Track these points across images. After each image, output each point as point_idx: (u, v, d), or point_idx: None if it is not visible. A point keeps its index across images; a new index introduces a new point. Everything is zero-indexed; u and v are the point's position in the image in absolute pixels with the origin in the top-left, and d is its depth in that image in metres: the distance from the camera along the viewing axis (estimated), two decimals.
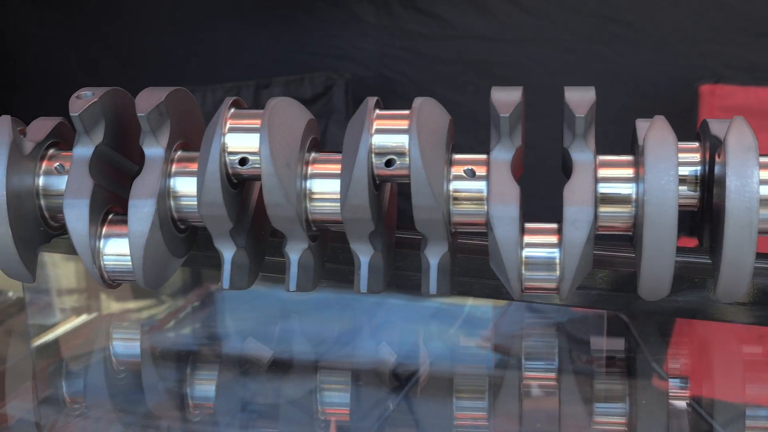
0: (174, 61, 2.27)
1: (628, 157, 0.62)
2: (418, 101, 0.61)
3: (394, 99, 2.22)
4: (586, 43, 2.09)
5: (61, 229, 0.69)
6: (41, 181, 0.66)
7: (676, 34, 2.03)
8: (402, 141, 0.60)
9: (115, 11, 2.32)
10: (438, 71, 2.20)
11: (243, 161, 0.62)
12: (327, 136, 2.00)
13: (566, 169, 0.62)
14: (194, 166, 0.64)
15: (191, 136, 0.67)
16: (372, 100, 0.61)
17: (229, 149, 0.62)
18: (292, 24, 2.23)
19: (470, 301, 0.79)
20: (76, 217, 0.63)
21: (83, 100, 0.64)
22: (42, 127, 0.67)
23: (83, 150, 0.64)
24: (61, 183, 0.66)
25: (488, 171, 0.61)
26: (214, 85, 1.94)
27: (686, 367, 0.72)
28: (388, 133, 0.60)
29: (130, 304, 0.86)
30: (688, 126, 1.60)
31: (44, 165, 0.66)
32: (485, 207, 0.61)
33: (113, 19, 2.35)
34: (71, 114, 0.63)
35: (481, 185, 0.61)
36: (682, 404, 0.66)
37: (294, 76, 2.04)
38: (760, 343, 0.73)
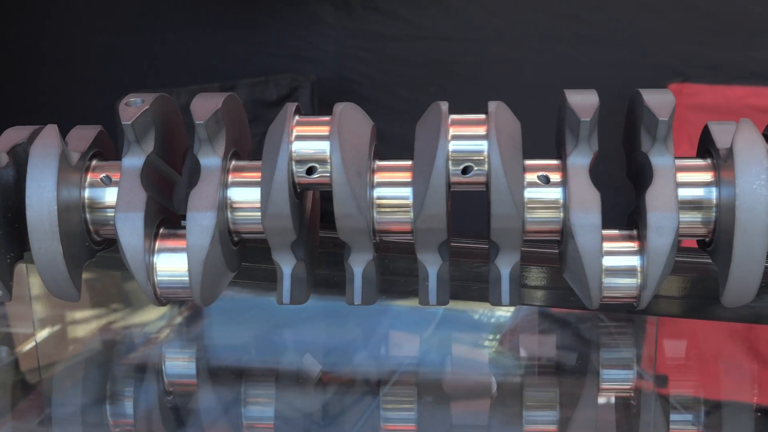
0: (125, 64, 2.21)
1: (703, 161, 0.60)
2: (493, 105, 0.59)
3: (356, 100, 2.19)
4: (550, 43, 2.10)
5: (104, 244, 0.65)
6: (87, 193, 0.62)
7: (640, 33, 2.04)
8: (480, 147, 0.58)
9: (62, 11, 2.25)
10: (400, 72, 2.18)
11: (311, 170, 0.59)
12: None
13: (638, 174, 0.61)
14: (253, 176, 0.61)
15: (240, 144, 0.64)
16: (445, 105, 0.59)
17: (296, 158, 0.59)
18: (250, 25, 2.19)
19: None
20: (130, 231, 0.59)
21: (134, 107, 0.60)
22: (83, 136, 0.63)
23: (134, 160, 0.61)
24: (107, 195, 0.62)
25: (565, 177, 0.59)
26: (178, 88, 1.89)
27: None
28: (466, 140, 0.58)
29: (122, 315, 0.82)
30: None
31: (89, 176, 0.62)
32: (561, 214, 0.59)
33: (57, 18, 2.28)
34: (123, 122, 0.59)
35: (556, 192, 0.59)
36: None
37: (259, 78, 2.00)
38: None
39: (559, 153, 0.61)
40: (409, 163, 0.61)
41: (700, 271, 0.71)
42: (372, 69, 2.19)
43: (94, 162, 0.63)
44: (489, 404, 0.65)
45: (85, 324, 0.81)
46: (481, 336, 0.74)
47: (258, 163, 0.62)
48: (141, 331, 0.77)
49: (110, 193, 0.62)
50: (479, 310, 0.77)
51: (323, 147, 0.59)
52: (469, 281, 0.71)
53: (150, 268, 0.61)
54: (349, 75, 2.19)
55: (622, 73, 2.06)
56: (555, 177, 0.60)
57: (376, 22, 2.17)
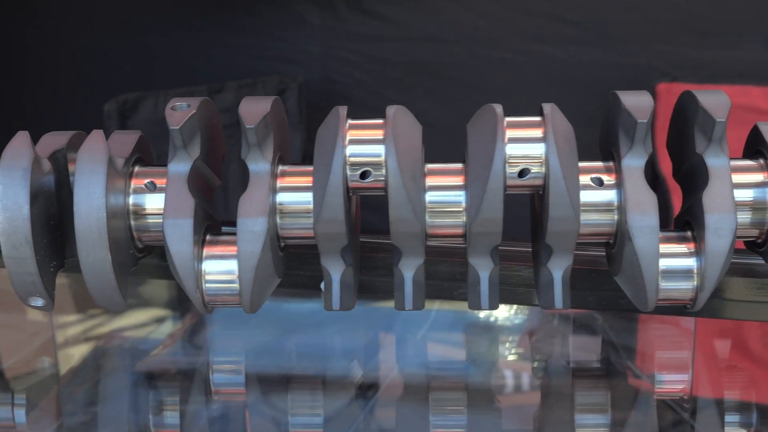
0: (109, 67, 2.19)
1: (755, 162, 0.60)
2: (548, 107, 0.59)
3: (342, 102, 2.18)
4: (536, 43, 2.10)
5: (145, 252, 0.64)
6: (131, 199, 0.61)
7: (625, 34, 2.06)
8: (538, 150, 0.57)
9: (45, 14, 2.22)
10: (385, 73, 2.18)
11: (364, 174, 0.58)
12: None
13: (690, 175, 0.61)
14: (303, 180, 0.61)
15: (284, 148, 0.63)
16: (499, 107, 0.59)
17: (350, 162, 0.58)
18: (234, 27, 2.18)
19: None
20: (179, 238, 0.58)
21: (181, 112, 0.59)
22: (125, 141, 0.62)
23: (181, 166, 0.60)
24: (152, 201, 0.61)
25: (620, 179, 0.58)
26: (165, 90, 1.87)
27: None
28: (523, 142, 0.58)
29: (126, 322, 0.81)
30: None
31: (133, 182, 0.61)
32: (615, 217, 0.59)
33: (40, 22, 2.25)
34: (171, 127, 0.58)
35: (610, 194, 0.59)
36: None
37: (246, 80, 1.99)
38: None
39: (609, 155, 0.61)
40: (460, 166, 0.60)
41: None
42: (357, 70, 2.19)
43: (136, 168, 0.62)
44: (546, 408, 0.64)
45: (105, 330, 0.79)
46: (521, 338, 0.73)
47: (305, 167, 0.62)
48: (169, 336, 0.76)
49: (155, 200, 0.61)
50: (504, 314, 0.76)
51: (378, 151, 0.58)
52: (511, 285, 0.70)
53: (198, 275, 0.59)
54: (334, 76, 2.19)
55: (607, 73, 2.07)
56: (607, 179, 0.60)
57: (361, 23, 2.16)
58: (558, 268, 0.61)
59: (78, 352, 0.74)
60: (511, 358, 0.70)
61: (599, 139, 0.65)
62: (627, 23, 2.05)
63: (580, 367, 0.68)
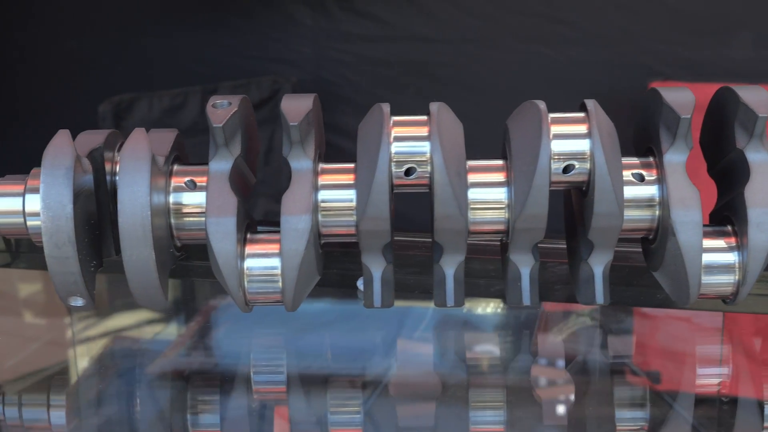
0: (101, 68, 2.17)
1: None
2: (590, 103, 0.59)
3: (335, 102, 2.19)
4: (528, 43, 2.11)
5: (182, 251, 0.63)
6: (172, 198, 0.60)
7: (616, 33, 2.07)
8: (583, 146, 0.58)
9: (38, 16, 2.20)
10: (378, 73, 2.17)
11: (409, 171, 0.58)
12: (274, 141, 1.95)
13: (729, 170, 0.61)
14: (344, 178, 0.60)
15: (322, 145, 0.63)
16: (542, 104, 0.59)
17: (395, 159, 0.58)
18: (226, 28, 2.17)
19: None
20: (222, 236, 0.58)
21: (223, 109, 0.59)
22: (164, 139, 0.61)
23: (222, 164, 0.59)
24: (192, 200, 0.61)
25: (662, 175, 0.59)
26: (160, 91, 1.86)
27: None
28: (569, 138, 0.58)
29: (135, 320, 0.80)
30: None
31: (173, 181, 0.61)
32: (656, 212, 0.59)
33: (32, 23, 2.23)
34: (214, 125, 0.58)
35: (651, 189, 0.59)
36: None
37: (240, 80, 1.98)
38: None
39: (647, 150, 0.61)
40: (501, 162, 0.60)
41: None
42: (349, 70, 2.18)
43: (175, 166, 0.62)
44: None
45: (120, 329, 0.79)
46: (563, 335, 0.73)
47: (346, 164, 0.61)
48: (179, 337, 0.75)
49: (194, 198, 0.61)
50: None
51: (423, 147, 0.58)
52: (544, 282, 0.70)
53: (240, 274, 0.59)
54: (327, 76, 2.18)
55: (598, 72, 2.08)
56: (648, 175, 0.60)
57: (353, 23, 2.16)
58: (599, 264, 0.61)
59: (102, 353, 0.74)
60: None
61: (634, 135, 0.65)
62: (618, 22, 2.06)
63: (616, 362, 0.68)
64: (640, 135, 0.63)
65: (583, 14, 2.07)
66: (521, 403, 0.61)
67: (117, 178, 0.60)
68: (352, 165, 0.61)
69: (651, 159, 0.60)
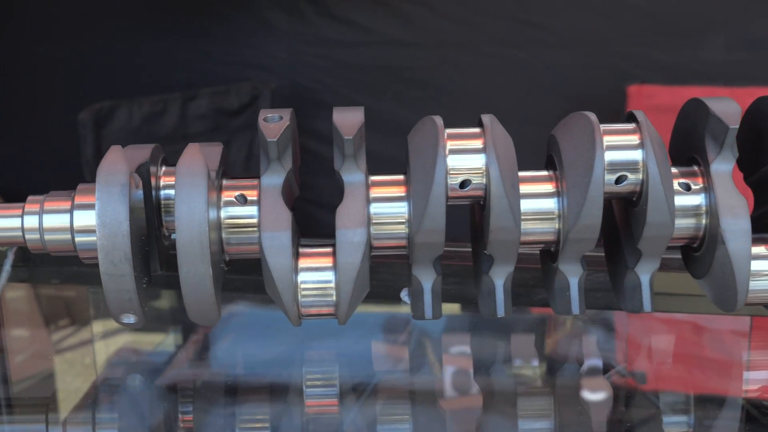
0: (78, 77, 2.14)
1: None
2: (640, 115, 0.60)
3: (311, 107, 2.18)
4: (504, 47, 2.12)
5: (229, 265, 0.63)
6: (223, 213, 0.60)
7: (590, 37, 2.09)
8: (636, 156, 0.58)
9: (15, 25, 2.17)
10: (355, 78, 2.18)
11: (464, 184, 0.59)
12: (254, 148, 1.94)
13: (766, 180, 0.62)
14: (395, 190, 0.61)
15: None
16: (593, 115, 0.59)
17: (451, 172, 0.58)
18: (202, 34, 2.16)
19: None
20: (277, 250, 0.58)
21: (275, 123, 0.59)
22: (212, 153, 0.61)
23: (275, 178, 0.59)
24: (242, 214, 0.61)
25: (709, 184, 0.60)
26: (140, 98, 1.85)
27: None
28: (621, 149, 0.59)
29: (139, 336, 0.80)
30: None
31: (224, 195, 0.60)
32: (703, 221, 0.60)
33: (8, 31, 2.19)
34: (268, 139, 0.58)
35: (698, 199, 0.60)
36: None
37: (220, 87, 1.97)
38: None
39: (690, 160, 0.62)
40: (546, 173, 0.61)
41: None
42: (326, 75, 2.18)
43: (224, 180, 0.61)
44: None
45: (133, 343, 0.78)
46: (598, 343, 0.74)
47: (395, 177, 0.62)
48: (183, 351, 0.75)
49: (245, 212, 0.60)
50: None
51: (479, 160, 0.58)
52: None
53: (295, 288, 0.59)
54: (304, 82, 2.18)
55: (573, 76, 2.11)
56: (693, 184, 0.61)
57: (330, 28, 2.16)
58: (646, 272, 0.62)
59: (134, 366, 0.73)
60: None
61: (671, 144, 0.66)
62: (593, 26, 2.09)
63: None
64: (680, 144, 0.64)
65: (558, 18, 2.09)
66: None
67: (173, 193, 0.60)
68: (401, 177, 0.62)
69: (695, 168, 0.61)
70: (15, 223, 0.61)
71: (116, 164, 0.57)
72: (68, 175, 1.94)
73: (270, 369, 0.68)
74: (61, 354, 0.78)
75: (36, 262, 0.85)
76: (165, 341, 0.76)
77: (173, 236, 0.65)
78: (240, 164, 1.92)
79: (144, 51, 2.14)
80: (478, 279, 0.64)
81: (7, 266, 0.81)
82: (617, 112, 1.90)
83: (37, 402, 0.66)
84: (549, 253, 0.63)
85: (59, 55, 2.11)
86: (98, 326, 0.81)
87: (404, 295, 0.67)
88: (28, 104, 2.12)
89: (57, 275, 0.85)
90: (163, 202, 0.63)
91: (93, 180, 1.59)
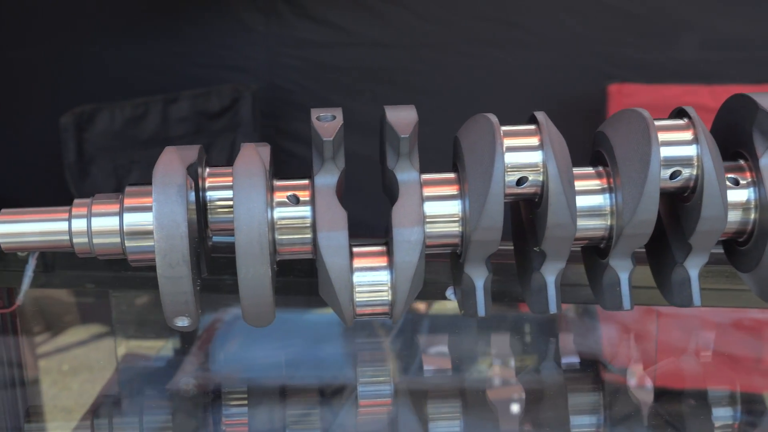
0: (58, 80, 2.11)
1: None
2: (691, 111, 0.60)
3: (289, 109, 2.18)
4: (482, 47, 2.13)
5: (279, 266, 0.63)
6: (276, 214, 0.60)
7: (568, 37, 2.10)
8: (689, 152, 0.59)
9: None
10: (333, 79, 2.17)
11: (521, 181, 0.59)
12: (236, 151, 1.92)
13: None
14: (449, 189, 0.60)
15: None
16: (646, 111, 0.60)
17: (508, 169, 0.58)
18: (178, 36, 2.14)
19: None
20: (335, 250, 0.58)
21: (329, 123, 0.59)
22: (263, 153, 0.61)
23: (328, 177, 0.59)
24: (295, 214, 0.60)
25: (758, 178, 0.60)
26: (122, 102, 1.83)
27: None
28: (676, 145, 0.59)
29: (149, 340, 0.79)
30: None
31: (276, 196, 0.60)
32: (752, 215, 0.61)
33: None
34: (324, 139, 0.58)
35: (746, 193, 0.61)
36: None
37: (201, 89, 1.95)
38: None
39: (735, 154, 0.63)
40: (595, 169, 0.61)
41: None
42: (304, 76, 2.17)
43: (275, 181, 0.61)
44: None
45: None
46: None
47: (446, 174, 0.62)
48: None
49: (298, 213, 0.60)
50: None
51: (536, 157, 0.58)
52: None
53: (351, 288, 0.59)
54: (281, 83, 2.17)
55: (551, 76, 2.12)
56: (742, 178, 0.61)
57: (307, 30, 2.15)
58: (695, 267, 0.62)
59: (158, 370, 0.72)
60: None
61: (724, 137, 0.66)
62: (570, 26, 2.10)
63: None
64: (723, 140, 0.64)
65: (536, 18, 2.10)
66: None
67: (218, 194, 0.59)
68: (451, 175, 0.61)
69: (742, 163, 0.62)
70: (62, 226, 0.59)
71: (172, 165, 0.56)
72: (50, 180, 1.92)
73: (320, 370, 0.67)
74: (84, 358, 0.77)
75: (57, 267, 0.83)
76: (198, 345, 0.75)
77: (215, 239, 0.65)
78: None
79: (121, 54, 2.11)
80: (525, 276, 0.64)
81: (29, 272, 0.79)
82: (598, 112, 1.92)
83: (63, 407, 0.65)
84: (596, 250, 0.64)
85: (37, 59, 2.08)
86: (124, 329, 0.80)
87: (450, 293, 0.67)
88: (7, 109, 2.08)
89: (79, 280, 0.83)
90: (208, 203, 0.62)
91: (75, 184, 1.56)
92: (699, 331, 0.75)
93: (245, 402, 0.64)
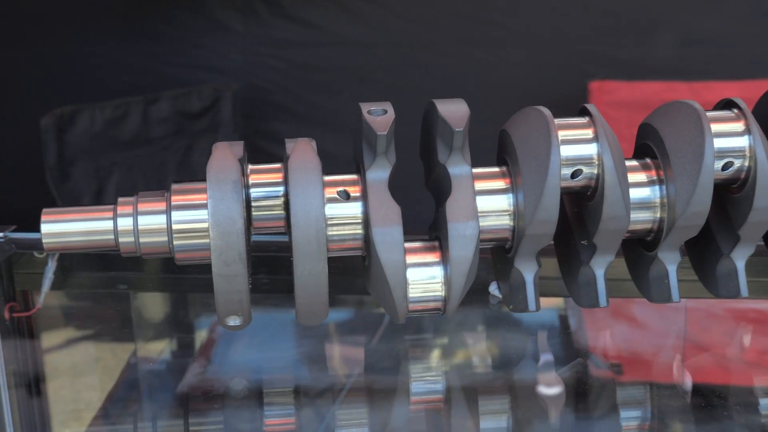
0: (37, 82, 2.07)
1: None
2: (740, 101, 0.60)
3: (268, 109, 2.16)
4: (460, 45, 2.13)
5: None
6: (327, 210, 0.59)
7: (546, 35, 2.11)
8: (741, 143, 0.59)
9: None
10: (311, 78, 2.15)
11: (575, 174, 0.59)
12: None
13: None
14: (500, 183, 0.60)
15: None
16: (696, 104, 0.60)
17: (564, 162, 0.58)
18: (155, 37, 2.11)
19: None
20: (390, 246, 0.57)
21: (382, 117, 0.58)
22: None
23: (380, 172, 0.58)
24: (346, 211, 0.59)
25: None
26: (102, 102, 1.80)
27: None
28: (727, 136, 0.59)
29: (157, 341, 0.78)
30: None
31: (326, 192, 0.59)
32: None
33: None
34: (379, 133, 0.57)
35: None
36: None
37: (181, 89, 1.93)
38: None
39: None
40: (643, 161, 0.61)
41: None
42: (281, 76, 2.15)
43: (324, 177, 0.60)
44: None
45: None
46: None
47: (491, 169, 0.61)
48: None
49: (350, 209, 0.59)
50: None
51: (591, 149, 0.58)
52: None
53: (405, 284, 0.58)
54: (259, 83, 2.15)
55: (531, 74, 2.12)
56: None
57: (285, 29, 2.14)
58: (741, 258, 0.63)
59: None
60: None
61: None
62: (548, 24, 2.11)
63: None
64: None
65: (514, 16, 2.10)
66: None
67: (261, 191, 0.58)
68: (497, 169, 0.61)
69: None
70: (106, 225, 0.58)
71: (226, 161, 0.55)
72: (31, 183, 1.88)
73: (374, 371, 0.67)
74: (103, 359, 0.75)
75: (74, 269, 0.82)
76: (223, 344, 0.74)
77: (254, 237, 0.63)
78: (203, 167, 1.88)
79: (99, 55, 2.08)
80: (571, 269, 0.63)
81: (50, 273, 0.77)
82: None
83: (81, 410, 0.64)
84: (642, 242, 0.63)
85: (15, 62, 2.04)
86: (145, 331, 0.79)
87: (493, 288, 0.67)
88: None
89: (97, 282, 0.82)
90: (252, 201, 0.61)
91: (56, 187, 1.53)
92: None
93: (290, 402, 0.63)
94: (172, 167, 1.86)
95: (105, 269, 0.82)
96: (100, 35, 2.08)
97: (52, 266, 0.78)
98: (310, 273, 0.55)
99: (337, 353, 0.73)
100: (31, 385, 0.69)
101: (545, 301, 0.67)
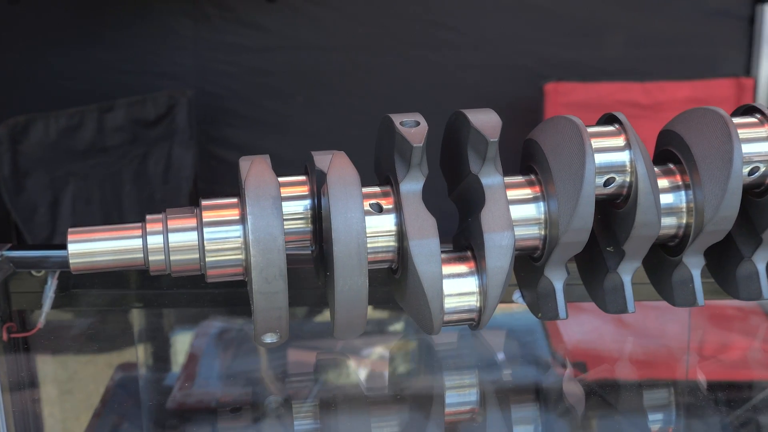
0: None
1: None
2: (764, 106, 0.61)
3: (220, 115, 2.13)
4: (416, 49, 2.13)
5: None
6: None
7: (499, 37, 2.13)
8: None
9: None
10: (264, 83, 2.14)
11: (608, 182, 0.59)
12: (173, 158, 1.88)
13: None
14: (531, 192, 0.60)
15: None
16: (722, 110, 0.61)
17: (598, 170, 0.58)
18: (103, 44, 2.07)
19: None
20: (427, 258, 0.57)
21: (416, 128, 0.58)
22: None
23: (414, 184, 0.58)
24: (380, 223, 0.59)
25: None
26: (56, 111, 1.76)
27: None
28: (753, 141, 0.60)
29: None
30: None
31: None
32: None
33: None
34: (414, 145, 0.56)
35: None
36: None
37: (137, 97, 1.90)
38: None
39: None
40: (666, 167, 0.62)
41: None
42: (233, 81, 2.14)
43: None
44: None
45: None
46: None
47: (520, 178, 0.61)
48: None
49: (383, 222, 0.59)
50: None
51: (624, 157, 0.58)
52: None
53: (441, 295, 0.58)
54: (212, 89, 2.13)
55: (486, 76, 2.14)
56: None
57: (236, 34, 2.12)
58: (762, 260, 0.64)
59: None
60: None
61: None
62: (499, 26, 2.12)
63: None
64: None
65: (465, 19, 2.11)
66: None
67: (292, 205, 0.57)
68: (522, 178, 0.61)
69: None
70: (135, 243, 0.57)
71: (265, 176, 0.54)
72: None
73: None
74: (103, 377, 0.74)
75: (72, 287, 0.79)
76: (232, 358, 0.73)
77: None
78: (159, 176, 1.85)
79: (48, 64, 2.04)
80: (596, 276, 0.64)
81: (50, 292, 0.75)
82: (534, 111, 1.94)
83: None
84: (664, 247, 0.64)
85: None
86: (151, 348, 0.77)
87: (517, 297, 0.67)
88: None
89: (96, 299, 0.80)
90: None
91: (10, 199, 1.49)
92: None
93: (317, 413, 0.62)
94: (128, 176, 1.83)
95: (104, 287, 0.80)
96: (51, 44, 2.04)
97: (52, 284, 0.76)
98: (351, 287, 0.55)
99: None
100: (27, 406, 0.68)
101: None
